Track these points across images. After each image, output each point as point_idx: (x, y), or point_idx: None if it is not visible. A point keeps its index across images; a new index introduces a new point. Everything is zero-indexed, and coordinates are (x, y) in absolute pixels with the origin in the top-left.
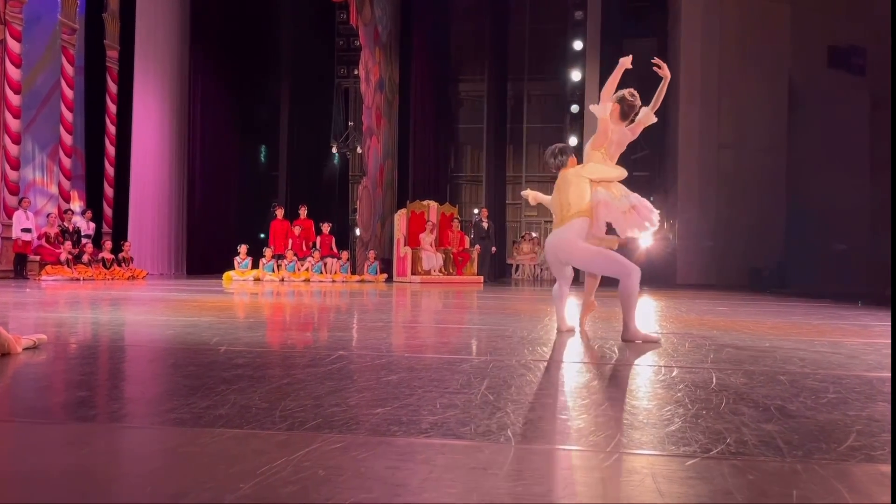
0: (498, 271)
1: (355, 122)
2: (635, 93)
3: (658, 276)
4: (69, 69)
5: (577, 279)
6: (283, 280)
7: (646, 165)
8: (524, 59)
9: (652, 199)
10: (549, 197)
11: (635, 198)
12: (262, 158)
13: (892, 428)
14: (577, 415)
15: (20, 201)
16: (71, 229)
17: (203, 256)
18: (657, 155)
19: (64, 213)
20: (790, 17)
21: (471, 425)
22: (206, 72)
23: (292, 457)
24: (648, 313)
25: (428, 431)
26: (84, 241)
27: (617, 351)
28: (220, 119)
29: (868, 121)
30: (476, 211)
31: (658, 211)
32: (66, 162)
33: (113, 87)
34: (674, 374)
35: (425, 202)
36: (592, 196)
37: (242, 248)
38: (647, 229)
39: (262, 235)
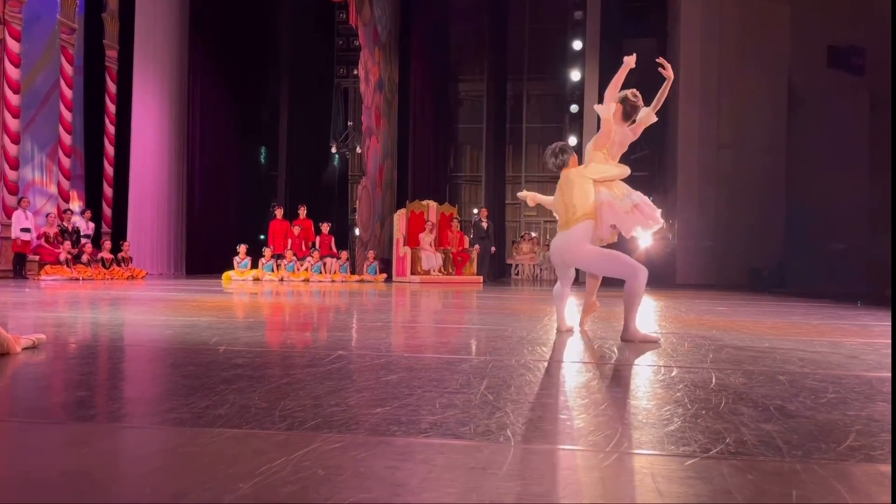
0: (497, 271)
1: (355, 122)
2: (638, 93)
3: (658, 276)
4: (68, 69)
5: (578, 279)
6: (282, 280)
7: (645, 165)
8: (524, 59)
9: (652, 198)
10: (548, 197)
11: (637, 196)
12: (263, 160)
13: (891, 428)
14: (576, 415)
15: (19, 201)
16: (70, 229)
17: (202, 256)
18: (657, 155)
19: (63, 213)
20: (790, 16)
21: (470, 425)
22: (205, 71)
23: (292, 456)
24: (648, 313)
25: (427, 431)
26: (83, 240)
27: (616, 351)
28: (220, 119)
29: (868, 121)
30: (475, 211)
31: (660, 209)
32: (66, 162)
33: (112, 86)
34: (673, 373)
35: (425, 202)
36: (595, 197)
37: (242, 248)
38: (650, 227)
39: (262, 237)
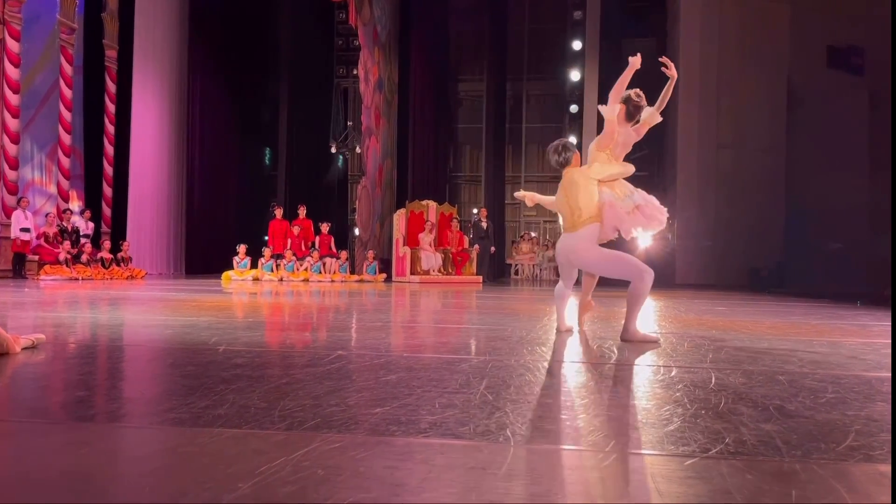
0: (497, 271)
1: (354, 122)
2: (641, 93)
3: (657, 276)
4: (68, 69)
5: (578, 280)
6: (281, 280)
7: (645, 165)
8: (523, 59)
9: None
10: (547, 198)
11: (640, 197)
12: (267, 161)
13: (891, 428)
14: (576, 415)
15: (19, 201)
16: (70, 229)
17: (202, 256)
18: (656, 154)
19: (63, 213)
20: (789, 16)
21: (470, 425)
22: (205, 71)
23: (291, 456)
24: (647, 313)
25: (427, 431)
26: (83, 240)
27: (616, 351)
28: (219, 118)
29: (867, 120)
30: (475, 211)
31: (667, 209)
32: (65, 161)
33: (112, 86)
34: (673, 373)
35: (424, 202)
36: (599, 198)
37: (241, 248)
38: (652, 228)
39: (264, 237)
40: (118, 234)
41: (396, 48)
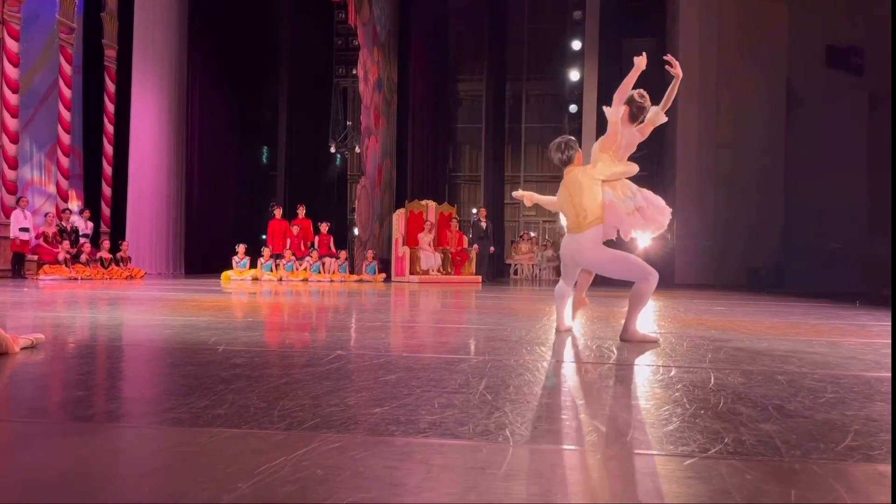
0: (496, 271)
1: (354, 122)
2: (644, 94)
3: None
4: (67, 68)
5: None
6: (281, 280)
7: (645, 165)
8: (523, 59)
9: None
10: (546, 197)
11: (642, 198)
12: (265, 160)
13: (891, 428)
14: (575, 414)
15: (18, 201)
16: (69, 229)
17: (201, 256)
18: (656, 154)
19: (62, 213)
20: (789, 16)
21: (469, 425)
22: (204, 71)
23: (290, 456)
24: (647, 313)
25: (426, 431)
26: (82, 240)
27: (615, 351)
28: (219, 118)
29: (866, 121)
30: (474, 210)
31: (670, 209)
32: (64, 161)
33: (111, 86)
34: (672, 373)
35: (424, 202)
36: (602, 197)
37: (241, 248)
38: (651, 231)
39: (263, 237)
40: (117, 234)
41: (396, 48)
